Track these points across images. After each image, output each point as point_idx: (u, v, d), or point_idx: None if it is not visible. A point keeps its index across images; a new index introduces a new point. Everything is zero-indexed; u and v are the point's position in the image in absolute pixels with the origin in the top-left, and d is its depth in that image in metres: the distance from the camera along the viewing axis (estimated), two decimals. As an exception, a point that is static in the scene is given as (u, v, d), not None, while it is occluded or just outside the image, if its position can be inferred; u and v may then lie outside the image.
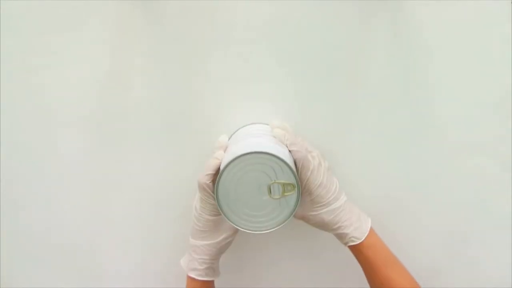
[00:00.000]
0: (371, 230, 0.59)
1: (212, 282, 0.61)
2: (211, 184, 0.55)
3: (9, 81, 0.63)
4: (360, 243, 0.57)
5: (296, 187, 0.52)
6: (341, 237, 0.59)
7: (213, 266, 0.60)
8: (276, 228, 0.54)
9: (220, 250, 0.60)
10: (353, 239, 0.57)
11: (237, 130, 0.64)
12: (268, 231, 0.54)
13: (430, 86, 0.63)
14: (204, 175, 0.55)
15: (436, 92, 0.63)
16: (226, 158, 0.53)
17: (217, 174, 0.54)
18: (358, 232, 0.58)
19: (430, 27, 0.60)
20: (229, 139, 0.62)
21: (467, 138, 0.65)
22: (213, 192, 0.54)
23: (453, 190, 0.68)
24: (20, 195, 0.69)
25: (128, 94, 0.64)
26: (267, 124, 0.63)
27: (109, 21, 0.60)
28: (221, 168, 0.52)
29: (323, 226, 0.58)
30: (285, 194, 0.52)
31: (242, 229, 0.54)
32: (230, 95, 0.63)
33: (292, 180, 0.52)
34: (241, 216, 0.54)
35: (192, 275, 0.60)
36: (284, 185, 0.52)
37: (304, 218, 0.59)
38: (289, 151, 0.55)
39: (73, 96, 0.64)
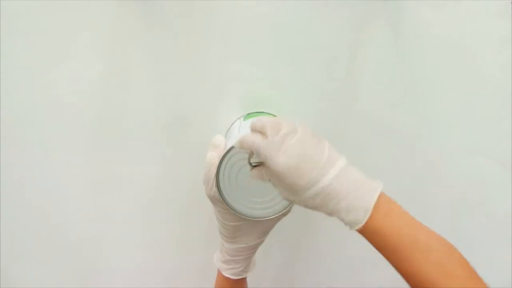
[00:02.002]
0: (377, 209, 0.44)
1: (245, 278, 0.60)
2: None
3: (9, 81, 0.63)
4: (361, 229, 0.43)
5: None
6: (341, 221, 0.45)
7: (248, 263, 0.59)
8: (281, 213, 0.53)
9: (255, 248, 0.58)
10: (349, 225, 0.44)
11: (236, 120, 0.63)
12: (274, 216, 0.53)
13: (430, 86, 0.63)
14: (209, 188, 0.53)
15: (436, 92, 0.63)
16: (226, 147, 0.53)
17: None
18: (353, 215, 0.43)
19: (430, 27, 0.60)
20: (228, 131, 0.61)
21: (467, 138, 0.65)
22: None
23: (453, 190, 0.68)
24: (20, 194, 0.69)
25: (127, 94, 0.63)
26: (270, 113, 0.62)
27: (108, 21, 0.60)
28: (220, 159, 0.51)
29: (316, 209, 0.46)
30: None
31: (248, 218, 0.53)
32: (229, 94, 0.63)
33: None
34: (245, 204, 0.53)
35: (227, 274, 0.58)
36: None
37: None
38: None
39: (72, 96, 0.64)
